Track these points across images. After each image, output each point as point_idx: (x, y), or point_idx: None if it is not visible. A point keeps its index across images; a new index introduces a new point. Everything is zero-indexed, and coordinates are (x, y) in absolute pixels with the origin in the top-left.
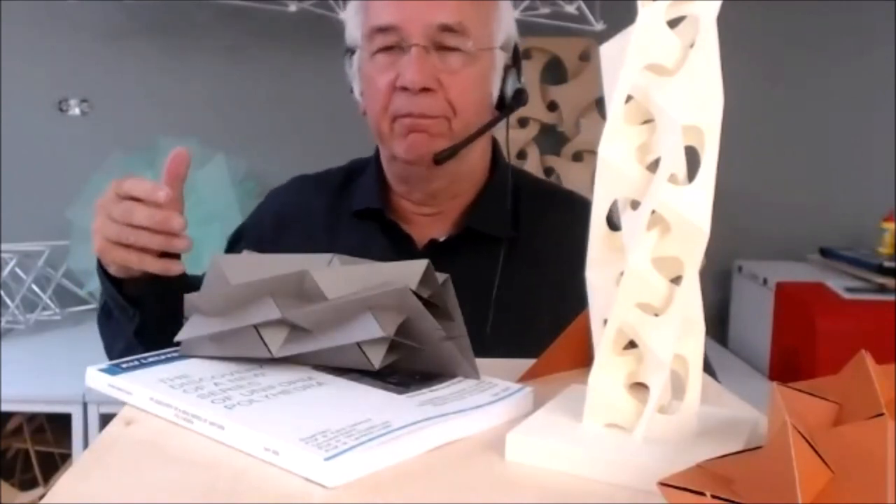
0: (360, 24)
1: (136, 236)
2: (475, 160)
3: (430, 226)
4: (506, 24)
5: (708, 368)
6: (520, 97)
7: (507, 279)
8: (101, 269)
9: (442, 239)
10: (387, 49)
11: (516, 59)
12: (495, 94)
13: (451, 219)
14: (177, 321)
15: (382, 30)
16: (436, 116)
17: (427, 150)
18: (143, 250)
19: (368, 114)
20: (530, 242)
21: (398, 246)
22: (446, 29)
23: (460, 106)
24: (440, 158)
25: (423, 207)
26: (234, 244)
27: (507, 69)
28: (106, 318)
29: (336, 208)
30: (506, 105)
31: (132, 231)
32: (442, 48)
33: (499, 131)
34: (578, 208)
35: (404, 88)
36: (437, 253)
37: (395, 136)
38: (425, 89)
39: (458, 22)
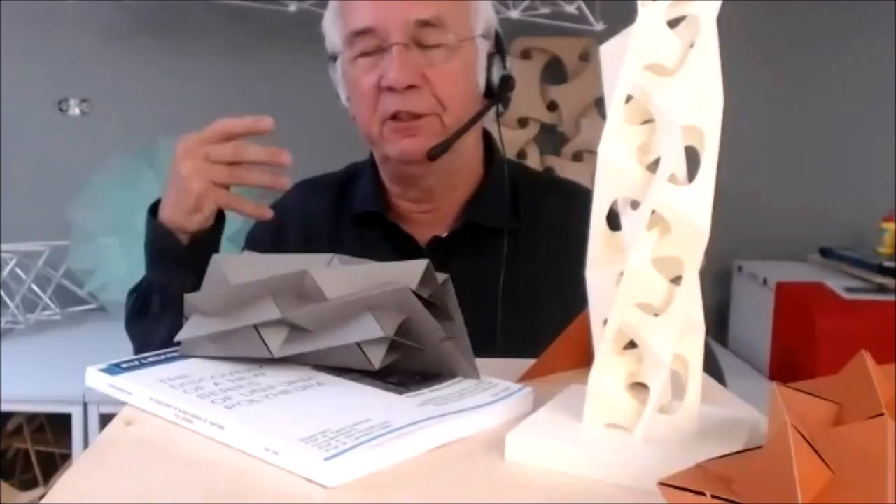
0: (339, 30)
1: (250, 174)
2: (468, 151)
3: (431, 224)
4: (484, 12)
5: (715, 367)
6: (507, 83)
7: (512, 271)
8: (154, 226)
9: (444, 235)
10: (368, 52)
11: (499, 46)
12: (482, 83)
13: (451, 215)
14: None
15: (361, 33)
16: (426, 114)
17: (422, 151)
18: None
19: (357, 118)
20: (532, 233)
21: (401, 247)
22: (425, 24)
23: (448, 100)
24: (434, 154)
25: (422, 205)
26: None
27: (490, 57)
28: (140, 315)
29: (336, 214)
30: (493, 93)
31: (245, 169)
32: (423, 44)
33: (489, 123)
34: (577, 197)
35: (390, 89)
36: (441, 250)
37: (387, 140)
38: (411, 87)
39: (436, 16)
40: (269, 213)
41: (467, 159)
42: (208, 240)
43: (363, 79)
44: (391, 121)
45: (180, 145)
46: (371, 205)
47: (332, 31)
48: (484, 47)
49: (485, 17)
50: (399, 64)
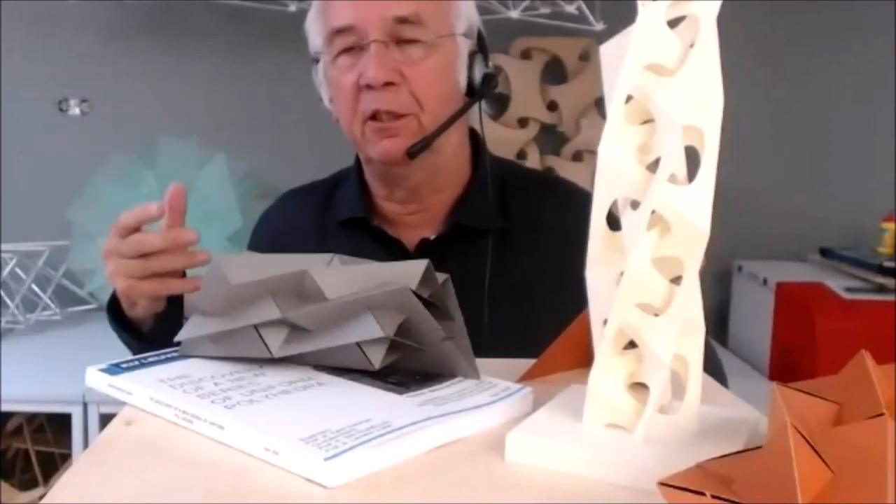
0: (320, 30)
1: (160, 262)
2: (452, 150)
3: (418, 226)
4: (466, 10)
5: (717, 368)
6: (489, 82)
7: (502, 272)
8: (113, 322)
9: (433, 237)
10: (348, 50)
11: (482, 44)
12: (463, 81)
13: (439, 217)
14: None
15: (340, 31)
16: (404, 115)
17: (402, 151)
18: (163, 275)
19: (340, 119)
20: (523, 233)
21: (389, 251)
22: (403, 21)
23: (426, 99)
24: (413, 152)
25: (409, 206)
26: None
27: (472, 56)
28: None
29: (323, 221)
30: (475, 91)
31: (153, 259)
32: (401, 41)
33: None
34: (568, 194)
35: (369, 86)
36: (429, 252)
37: (368, 140)
38: (388, 84)
39: (414, 13)
40: (194, 284)
41: (452, 159)
42: (169, 319)
43: (343, 78)
44: (371, 121)
45: (102, 249)
46: (356, 210)
47: (314, 32)
48: (465, 46)
49: (466, 15)
50: (377, 61)
